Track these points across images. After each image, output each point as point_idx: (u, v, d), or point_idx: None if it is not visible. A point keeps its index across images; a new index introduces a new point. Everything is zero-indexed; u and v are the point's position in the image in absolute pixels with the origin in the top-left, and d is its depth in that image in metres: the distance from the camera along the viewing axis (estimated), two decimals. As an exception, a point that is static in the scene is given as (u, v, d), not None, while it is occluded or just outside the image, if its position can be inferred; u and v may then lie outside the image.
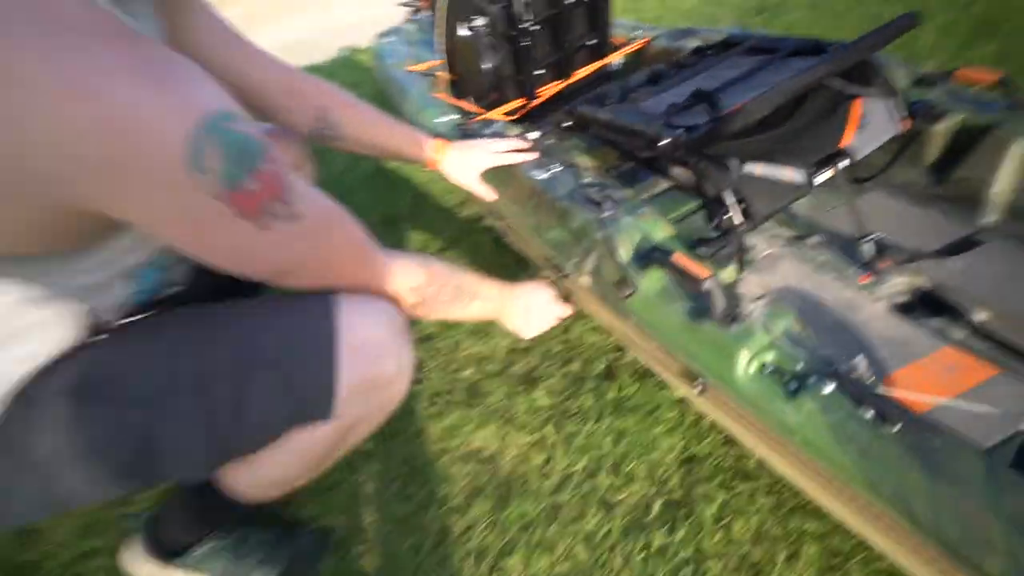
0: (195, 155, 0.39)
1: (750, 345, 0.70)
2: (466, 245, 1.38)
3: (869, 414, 0.60)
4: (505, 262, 1.27)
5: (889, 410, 0.58)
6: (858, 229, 0.89)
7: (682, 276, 0.76)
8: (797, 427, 0.64)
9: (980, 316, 0.77)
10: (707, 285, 0.72)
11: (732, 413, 0.79)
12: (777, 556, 0.72)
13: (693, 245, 0.81)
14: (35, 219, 0.42)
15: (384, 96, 1.73)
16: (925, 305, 0.82)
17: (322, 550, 0.84)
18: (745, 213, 0.83)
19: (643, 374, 0.96)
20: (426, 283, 0.68)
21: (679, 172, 0.88)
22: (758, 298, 0.74)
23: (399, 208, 1.63)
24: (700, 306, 0.76)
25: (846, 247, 0.93)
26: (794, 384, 0.66)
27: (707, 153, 0.85)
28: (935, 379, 0.72)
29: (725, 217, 0.82)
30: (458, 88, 1.40)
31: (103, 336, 0.56)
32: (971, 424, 0.64)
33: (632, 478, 0.84)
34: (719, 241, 0.81)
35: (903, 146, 0.99)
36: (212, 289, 0.65)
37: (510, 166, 1.03)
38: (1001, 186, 0.90)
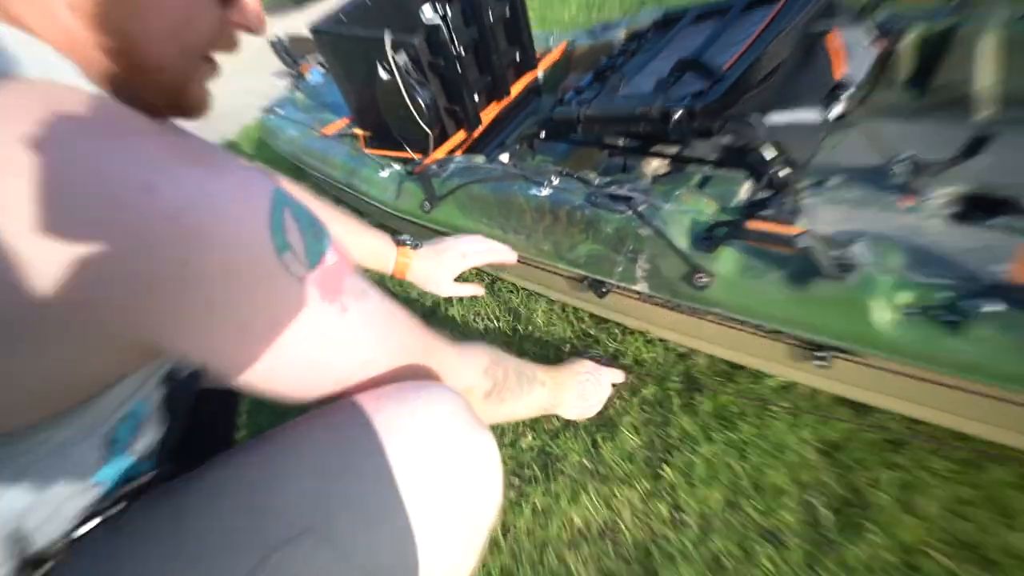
0: (277, 233, 0.30)
1: (878, 291, 0.60)
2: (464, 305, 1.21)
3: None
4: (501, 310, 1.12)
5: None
6: (881, 155, 0.85)
7: (767, 242, 0.67)
8: (977, 361, 0.54)
9: (1036, 202, 0.74)
10: (804, 241, 0.62)
11: (867, 377, 0.69)
12: (981, 517, 0.61)
13: (747, 213, 0.71)
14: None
15: (297, 169, 1.55)
16: (978, 208, 0.78)
17: None
18: (788, 163, 0.76)
19: (729, 372, 0.84)
20: (493, 365, 0.56)
21: (700, 144, 0.80)
22: (851, 241, 0.66)
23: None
24: (799, 268, 0.66)
25: (871, 177, 0.89)
26: (951, 316, 0.57)
27: (727, 115, 0.77)
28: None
29: (773, 171, 0.74)
30: (385, 138, 1.26)
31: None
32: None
33: (781, 491, 0.70)
34: (776, 198, 0.72)
35: (879, 69, 0.99)
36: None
37: (508, 194, 0.90)
38: (984, 81, 0.91)
